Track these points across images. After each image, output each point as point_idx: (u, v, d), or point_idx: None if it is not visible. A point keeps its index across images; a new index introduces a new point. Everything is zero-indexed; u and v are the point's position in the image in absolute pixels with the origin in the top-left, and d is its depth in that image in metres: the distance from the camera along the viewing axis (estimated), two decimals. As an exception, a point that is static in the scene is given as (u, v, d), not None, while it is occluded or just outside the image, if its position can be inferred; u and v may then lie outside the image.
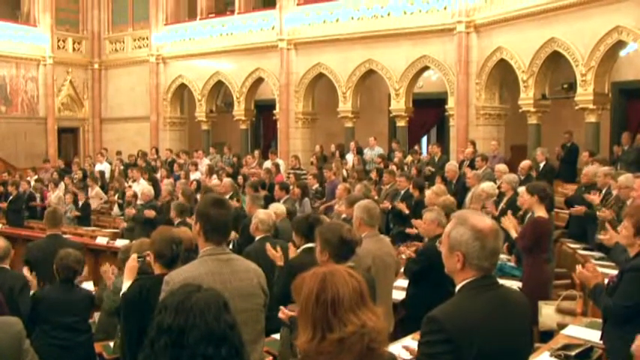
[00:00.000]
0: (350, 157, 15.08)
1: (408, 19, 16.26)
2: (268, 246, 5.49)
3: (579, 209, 8.35)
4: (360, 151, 15.54)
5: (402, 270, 6.27)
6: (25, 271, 5.90)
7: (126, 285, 4.27)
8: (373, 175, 12.52)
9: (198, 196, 9.93)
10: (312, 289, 2.16)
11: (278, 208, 7.84)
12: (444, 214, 6.11)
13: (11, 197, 14.20)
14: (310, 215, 5.76)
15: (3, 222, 13.97)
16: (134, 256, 4.46)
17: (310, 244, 5.25)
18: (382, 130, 19.10)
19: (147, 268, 4.34)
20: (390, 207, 10.18)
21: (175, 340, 2.18)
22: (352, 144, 15.72)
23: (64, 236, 7.63)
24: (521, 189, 8.52)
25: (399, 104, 16.65)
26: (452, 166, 11.65)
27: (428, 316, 2.56)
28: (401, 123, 16.88)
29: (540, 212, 6.43)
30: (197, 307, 2.21)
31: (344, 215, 7.45)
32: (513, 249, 7.54)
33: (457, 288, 2.68)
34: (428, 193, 8.66)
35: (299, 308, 2.21)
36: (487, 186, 9.11)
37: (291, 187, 11.11)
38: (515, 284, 6.48)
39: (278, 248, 5.43)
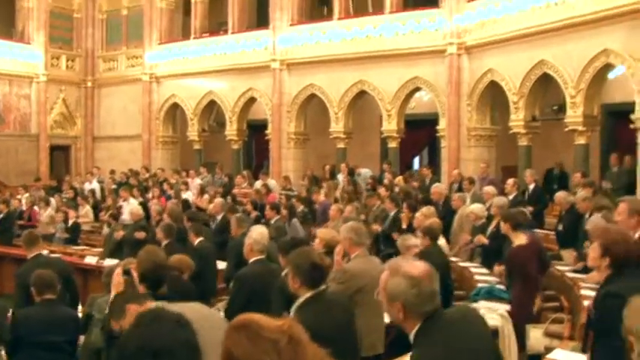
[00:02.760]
0: (341, 178, 15.10)
1: (400, 40, 16.38)
2: None
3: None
4: (351, 173, 15.56)
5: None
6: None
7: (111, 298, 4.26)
8: (364, 196, 12.53)
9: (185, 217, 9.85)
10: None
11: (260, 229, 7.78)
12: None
13: (1, 215, 14.13)
14: (296, 238, 5.77)
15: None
16: (119, 270, 4.44)
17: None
18: (374, 151, 19.17)
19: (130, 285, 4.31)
20: (379, 229, 10.18)
21: None
22: (343, 165, 15.74)
23: (45, 254, 7.56)
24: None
25: (390, 125, 16.72)
26: (437, 187, 11.60)
27: None
28: (392, 144, 16.94)
29: (517, 240, 6.45)
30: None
31: None
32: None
33: (411, 338, 2.70)
34: (417, 215, 8.68)
35: None
36: (476, 207, 9.14)
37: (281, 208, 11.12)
38: (503, 307, 6.50)
39: None
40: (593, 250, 4.13)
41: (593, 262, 4.17)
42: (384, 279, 2.74)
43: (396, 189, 12.65)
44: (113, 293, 4.34)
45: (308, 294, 3.95)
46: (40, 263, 6.52)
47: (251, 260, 5.87)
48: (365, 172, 15.56)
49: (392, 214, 10.26)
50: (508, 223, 6.55)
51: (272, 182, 15.84)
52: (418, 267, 2.73)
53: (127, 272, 4.33)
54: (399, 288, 2.66)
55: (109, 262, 9.67)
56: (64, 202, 15.12)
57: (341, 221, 7.79)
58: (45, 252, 11.07)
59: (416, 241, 6.67)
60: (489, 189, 10.69)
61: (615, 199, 7.50)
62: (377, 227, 10.17)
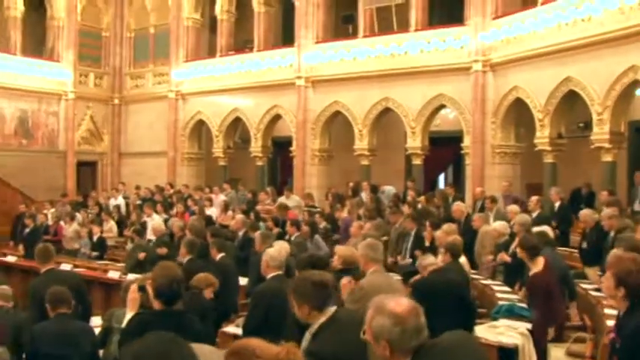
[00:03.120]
0: (364, 196, 15.04)
1: (425, 57, 16.34)
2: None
3: None
4: (374, 190, 15.50)
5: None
6: None
7: (127, 317, 4.26)
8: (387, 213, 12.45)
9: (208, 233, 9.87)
10: None
11: (281, 245, 7.77)
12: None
13: (28, 230, 14.32)
14: (314, 254, 5.74)
15: (20, 254, 14.07)
16: (134, 287, 4.45)
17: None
18: (398, 168, 19.09)
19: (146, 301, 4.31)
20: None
21: None
22: (365, 183, 15.67)
23: (60, 268, 7.58)
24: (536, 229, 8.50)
25: (415, 142, 16.65)
26: (458, 206, 11.55)
27: None
28: (417, 161, 16.86)
29: (535, 267, 6.42)
30: None
31: None
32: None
33: None
34: (438, 232, 8.61)
35: None
36: (498, 225, 9.05)
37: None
38: (524, 325, 6.40)
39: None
40: (607, 280, 4.05)
41: (608, 291, 4.09)
42: (368, 318, 2.74)
43: (419, 206, 12.58)
44: (129, 309, 4.35)
45: (322, 319, 3.77)
46: (53, 277, 6.56)
47: (269, 276, 5.86)
48: (389, 190, 15.50)
49: (412, 232, 10.17)
50: (525, 251, 6.52)
51: (296, 198, 15.83)
52: (402, 304, 2.71)
53: (142, 288, 4.33)
54: (384, 327, 2.65)
55: (131, 276, 9.71)
56: (89, 218, 15.27)
57: (361, 238, 7.74)
58: (69, 266, 11.30)
59: (433, 260, 6.61)
60: (513, 207, 10.59)
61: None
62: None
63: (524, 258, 6.56)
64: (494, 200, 11.97)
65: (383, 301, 2.78)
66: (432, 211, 11.31)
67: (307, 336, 3.80)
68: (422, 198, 13.82)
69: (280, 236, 10.75)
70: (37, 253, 7.19)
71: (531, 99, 14.04)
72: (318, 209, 15.12)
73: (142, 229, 13.12)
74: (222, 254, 8.20)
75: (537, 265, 6.41)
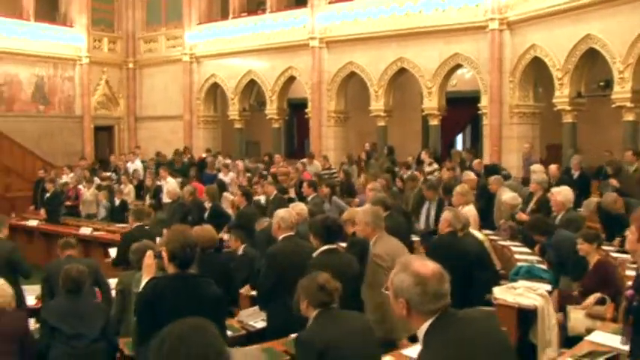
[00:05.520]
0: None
1: (440, 16, 16.06)
2: None
3: None
4: (390, 151, 15.39)
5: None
6: None
7: (143, 282, 4.26)
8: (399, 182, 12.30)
9: (223, 195, 9.89)
10: None
11: (300, 207, 7.71)
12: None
13: (48, 194, 14.42)
14: (328, 217, 5.68)
15: (41, 218, 14.21)
16: (150, 253, 4.45)
17: (328, 246, 5.21)
18: (415, 129, 18.97)
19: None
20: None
21: None
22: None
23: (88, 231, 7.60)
24: (555, 190, 8.38)
25: (431, 103, 16.47)
26: (468, 175, 11.30)
27: None
28: (434, 122, 16.71)
29: (596, 256, 6.33)
30: None
31: None
32: (545, 254, 7.40)
33: (419, 337, 2.65)
34: (454, 193, 8.52)
35: None
36: (508, 197, 8.93)
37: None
38: (543, 286, 6.34)
39: None
40: (631, 233, 3.98)
41: (631, 245, 4.02)
42: (392, 274, 2.71)
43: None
44: (145, 275, 4.35)
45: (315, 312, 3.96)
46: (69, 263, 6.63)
47: (280, 237, 5.78)
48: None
49: (435, 200, 9.90)
50: (594, 244, 6.33)
51: (317, 165, 15.73)
52: (427, 266, 2.66)
53: (158, 256, 4.32)
54: (404, 284, 2.62)
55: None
56: (107, 182, 15.33)
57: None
58: (88, 230, 11.40)
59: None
60: (536, 167, 10.48)
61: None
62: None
63: (592, 251, 6.36)
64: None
65: (410, 259, 2.77)
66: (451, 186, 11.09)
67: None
68: (444, 171, 13.47)
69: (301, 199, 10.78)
70: (59, 243, 7.06)
71: (550, 57, 13.77)
72: (335, 171, 15.09)
73: (157, 193, 13.14)
74: (244, 245, 7.76)
75: (598, 254, 6.33)
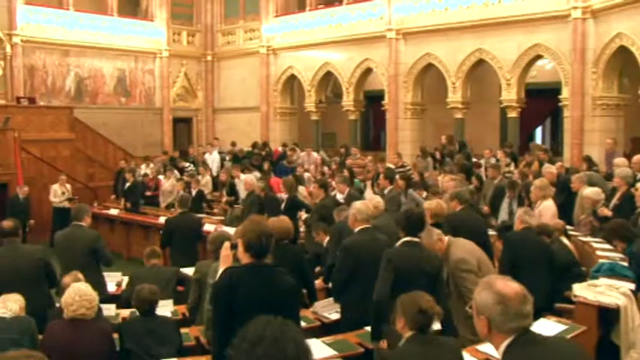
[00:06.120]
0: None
1: (520, 5, 15.67)
2: None
3: None
4: (462, 145, 15.12)
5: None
6: None
7: (219, 273, 4.33)
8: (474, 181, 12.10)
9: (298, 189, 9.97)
10: None
11: (377, 200, 7.66)
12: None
13: (128, 184, 14.87)
14: (411, 210, 5.61)
15: (121, 207, 14.67)
16: (227, 244, 4.51)
17: (409, 238, 5.16)
18: (493, 121, 18.63)
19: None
20: (489, 211, 9.95)
21: None
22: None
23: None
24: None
25: (510, 95, 16.11)
26: (548, 168, 11.05)
27: None
28: (512, 114, 16.35)
29: None
30: None
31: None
32: (628, 249, 7.12)
33: (499, 355, 2.66)
34: (532, 187, 8.33)
35: None
36: (591, 192, 8.63)
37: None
38: (626, 285, 6.11)
39: None
40: None
41: None
42: (476, 292, 2.76)
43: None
44: (222, 265, 4.42)
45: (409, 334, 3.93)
46: (78, 232, 7.18)
47: (356, 229, 5.79)
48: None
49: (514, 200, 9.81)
50: None
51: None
52: (510, 286, 2.68)
53: (234, 246, 4.38)
54: (486, 303, 2.66)
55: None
56: (186, 172, 15.67)
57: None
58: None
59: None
60: (620, 160, 10.12)
61: None
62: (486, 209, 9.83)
63: None
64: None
65: (494, 278, 2.80)
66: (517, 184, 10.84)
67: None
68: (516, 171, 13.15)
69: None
70: (72, 212, 7.58)
71: (637, 46, 13.22)
72: (408, 167, 14.95)
73: (233, 190, 13.35)
74: (327, 237, 7.72)
75: None
